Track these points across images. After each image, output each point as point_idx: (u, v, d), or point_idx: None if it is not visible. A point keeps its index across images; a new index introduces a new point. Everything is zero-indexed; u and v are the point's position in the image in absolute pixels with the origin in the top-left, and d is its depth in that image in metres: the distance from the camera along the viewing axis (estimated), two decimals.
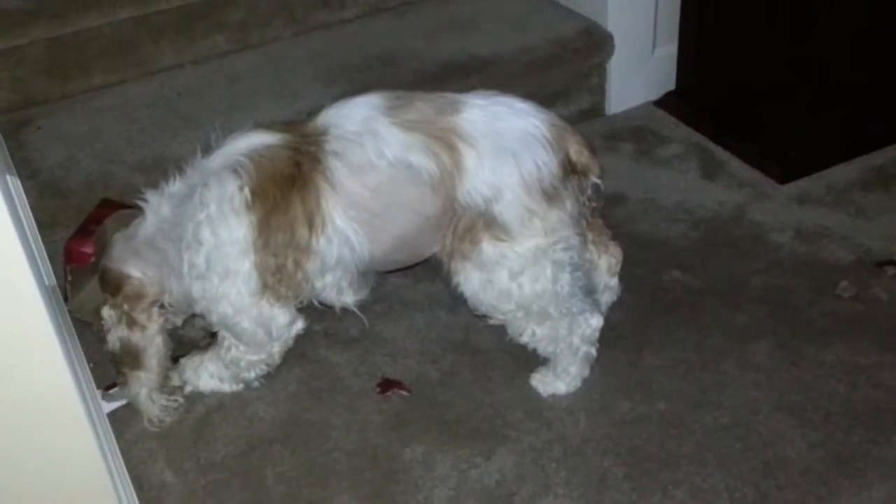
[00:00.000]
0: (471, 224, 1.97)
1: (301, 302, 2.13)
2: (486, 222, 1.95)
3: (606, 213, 2.67)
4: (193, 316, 2.21)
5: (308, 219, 1.97)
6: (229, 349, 2.17)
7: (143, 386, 2.14)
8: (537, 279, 2.00)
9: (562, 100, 3.05)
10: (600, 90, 3.12)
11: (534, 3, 3.17)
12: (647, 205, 2.76)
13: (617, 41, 3.03)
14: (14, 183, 2.26)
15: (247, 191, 1.96)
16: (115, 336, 2.13)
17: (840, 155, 2.85)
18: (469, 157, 1.92)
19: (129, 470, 2.07)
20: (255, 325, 2.10)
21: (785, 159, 2.81)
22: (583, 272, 2.11)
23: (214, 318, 2.12)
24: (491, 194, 1.93)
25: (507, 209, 1.94)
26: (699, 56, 3.01)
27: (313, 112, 2.07)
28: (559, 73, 2.99)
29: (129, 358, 2.13)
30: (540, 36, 3.00)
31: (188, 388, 2.23)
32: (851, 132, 2.85)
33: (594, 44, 3.01)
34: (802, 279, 2.46)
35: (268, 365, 2.21)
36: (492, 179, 1.92)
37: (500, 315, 2.08)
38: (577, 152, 2.01)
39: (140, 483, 2.06)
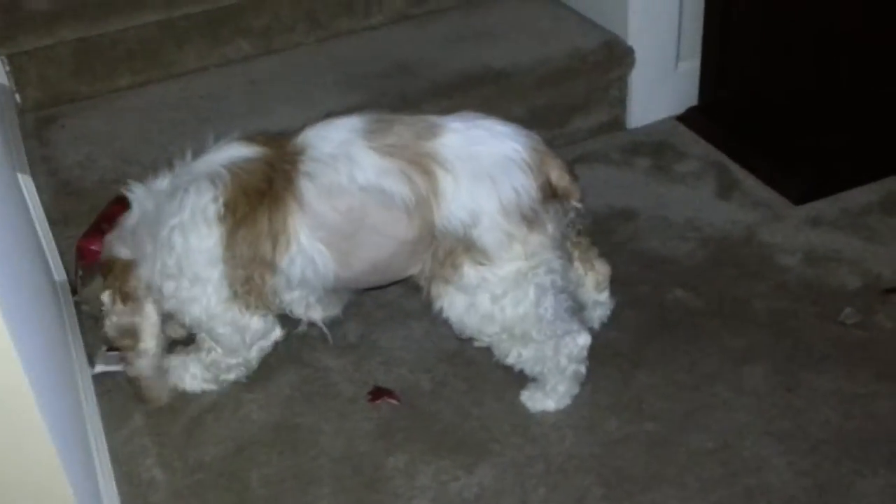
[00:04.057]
0: (451, 249, 1.97)
1: (272, 312, 2.17)
2: (465, 247, 1.96)
3: (614, 228, 2.68)
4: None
5: (273, 236, 2.00)
6: (209, 352, 2.22)
7: (144, 361, 2.18)
8: (519, 302, 2.01)
9: (581, 112, 3.04)
10: (621, 104, 3.11)
11: (556, 15, 3.17)
12: (658, 221, 2.73)
13: (638, 55, 3.01)
14: (25, 181, 2.33)
15: (220, 202, 2.01)
16: (112, 320, 2.17)
17: (859, 177, 2.80)
18: (446, 183, 1.93)
19: (121, 465, 2.13)
20: (230, 330, 2.14)
21: (801, 180, 2.77)
22: (568, 294, 2.11)
23: (187, 320, 2.16)
24: (469, 219, 1.93)
25: (486, 234, 1.94)
26: (722, 72, 2.98)
27: (297, 130, 2.09)
28: (577, 85, 2.99)
29: (128, 338, 2.18)
30: (559, 48, 2.99)
31: (175, 383, 2.27)
32: (871, 155, 2.80)
33: (614, 57, 2.99)
34: (806, 304, 2.42)
35: (246, 368, 2.25)
36: (469, 205, 1.93)
37: (486, 338, 2.09)
38: (559, 177, 2.00)
39: (130, 478, 2.11)
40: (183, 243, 2.04)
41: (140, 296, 2.15)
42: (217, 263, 2.04)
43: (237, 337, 2.14)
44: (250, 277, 2.04)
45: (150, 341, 2.18)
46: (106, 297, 2.17)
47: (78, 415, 1.97)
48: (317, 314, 2.16)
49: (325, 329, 2.23)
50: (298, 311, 2.15)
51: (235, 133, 2.11)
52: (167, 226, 2.05)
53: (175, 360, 2.27)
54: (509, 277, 1.98)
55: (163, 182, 2.12)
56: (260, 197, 1.99)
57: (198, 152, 2.12)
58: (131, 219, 2.16)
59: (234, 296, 2.07)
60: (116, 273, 2.15)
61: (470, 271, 1.97)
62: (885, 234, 2.63)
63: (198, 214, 2.01)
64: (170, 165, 2.14)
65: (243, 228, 2.00)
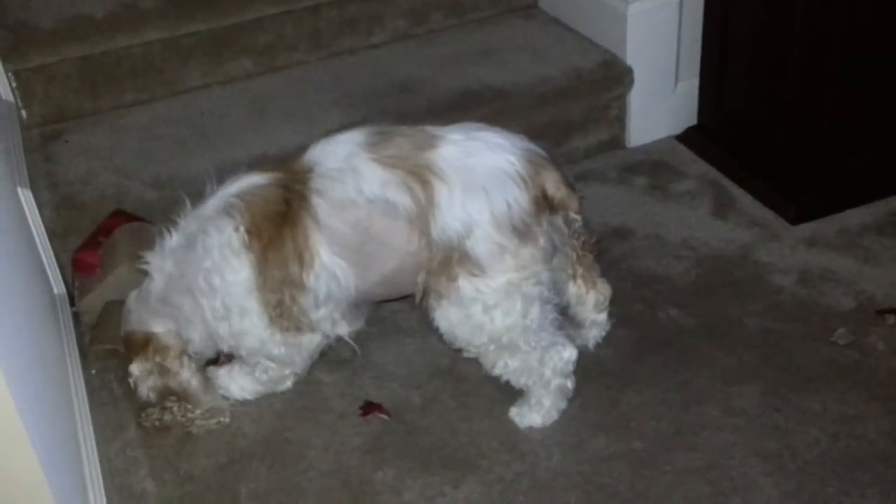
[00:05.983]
0: (446, 260, 2.00)
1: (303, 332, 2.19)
2: (459, 258, 1.99)
3: (609, 247, 2.69)
4: None
5: (298, 255, 2.04)
6: (266, 371, 2.26)
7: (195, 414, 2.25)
8: (508, 313, 2.03)
9: (580, 131, 3.06)
10: (620, 123, 3.12)
11: (557, 35, 3.19)
12: (653, 240, 2.74)
13: (637, 75, 3.03)
14: (25, 195, 2.37)
15: (242, 230, 2.04)
16: (148, 385, 2.22)
17: (856, 198, 2.80)
18: (441, 193, 1.96)
19: (113, 477, 2.15)
20: (285, 349, 2.18)
21: (799, 200, 2.77)
22: (554, 306, 2.13)
23: (244, 353, 2.21)
24: (463, 230, 1.96)
25: (478, 245, 1.97)
26: (719, 93, 2.99)
27: (302, 148, 2.13)
28: (576, 104, 3.01)
29: (173, 397, 2.23)
30: (558, 67, 3.02)
31: (220, 392, 2.30)
32: (870, 176, 2.80)
33: (612, 77, 3.01)
34: (799, 324, 2.42)
35: (295, 375, 2.30)
36: (462, 215, 1.96)
37: (474, 348, 2.11)
38: (555, 188, 2.03)
39: (122, 490, 2.13)
40: (221, 282, 2.07)
41: (181, 370, 2.19)
42: (253, 291, 2.07)
43: (294, 351, 2.19)
44: (282, 301, 2.07)
45: (197, 405, 2.23)
46: (136, 368, 2.19)
47: (70, 426, 1.99)
48: (343, 329, 2.19)
49: (352, 343, 2.25)
50: (326, 328, 2.17)
51: (240, 171, 2.13)
52: (200, 272, 2.08)
53: (221, 370, 2.30)
54: (501, 289, 2.00)
55: (172, 240, 2.13)
56: (281, 219, 2.02)
57: (195, 199, 2.14)
58: (156, 287, 2.16)
59: (270, 320, 2.10)
60: (156, 349, 2.17)
61: (465, 283, 1.99)
62: (881, 255, 2.63)
63: (225, 249, 2.04)
64: (172, 223, 2.14)
65: (271, 252, 2.03)
